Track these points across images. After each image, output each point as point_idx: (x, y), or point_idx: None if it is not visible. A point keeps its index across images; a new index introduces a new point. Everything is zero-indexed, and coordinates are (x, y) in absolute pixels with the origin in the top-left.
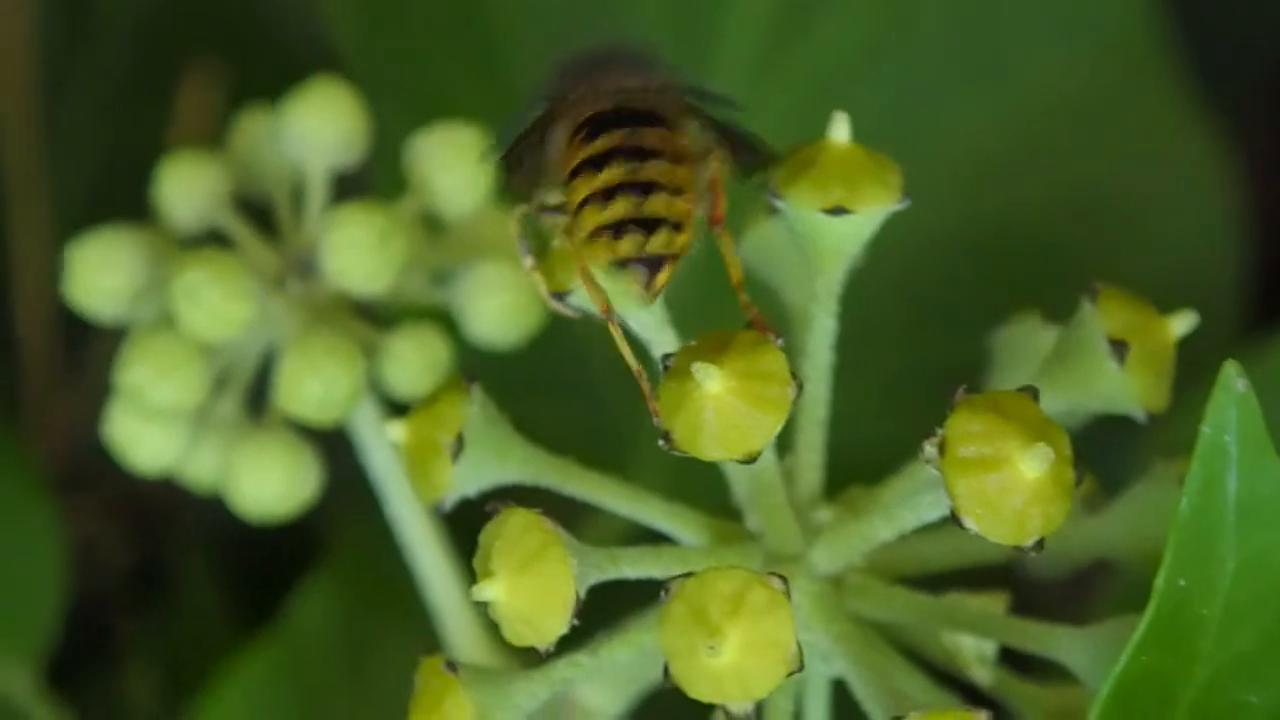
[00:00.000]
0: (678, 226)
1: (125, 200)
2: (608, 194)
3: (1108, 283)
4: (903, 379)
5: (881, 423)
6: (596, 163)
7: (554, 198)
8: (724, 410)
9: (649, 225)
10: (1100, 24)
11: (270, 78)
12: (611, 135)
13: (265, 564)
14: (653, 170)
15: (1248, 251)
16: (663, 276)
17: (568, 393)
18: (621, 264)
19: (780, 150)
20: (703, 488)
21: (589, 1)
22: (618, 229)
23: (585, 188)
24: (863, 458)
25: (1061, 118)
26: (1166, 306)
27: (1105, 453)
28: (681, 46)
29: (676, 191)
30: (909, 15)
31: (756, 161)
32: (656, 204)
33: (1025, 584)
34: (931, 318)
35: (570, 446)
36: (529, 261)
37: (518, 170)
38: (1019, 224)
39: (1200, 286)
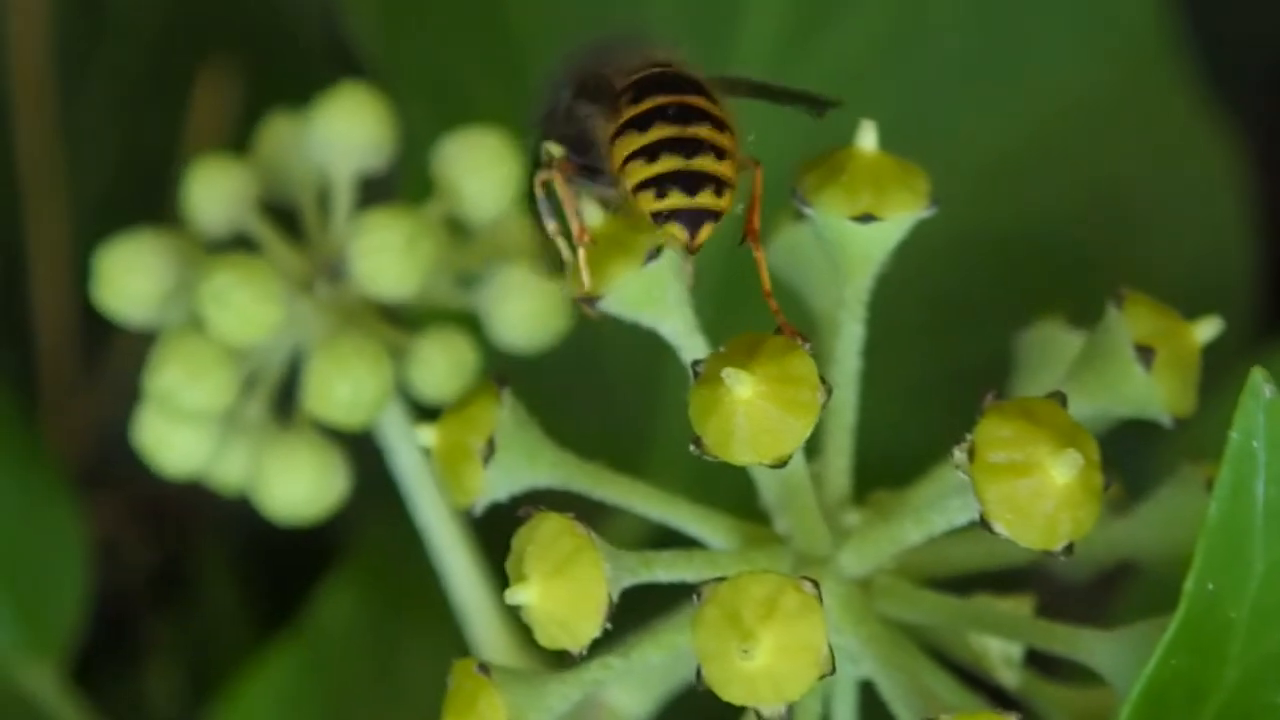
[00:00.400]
0: (720, 186)
1: (142, 199)
2: (653, 151)
3: (1123, 283)
4: (924, 380)
5: (904, 423)
6: (642, 122)
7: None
8: (755, 415)
9: (694, 181)
10: (1113, 25)
11: (286, 78)
12: (657, 97)
13: (286, 562)
14: (699, 129)
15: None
16: (705, 232)
17: (587, 394)
18: (665, 217)
19: (832, 98)
20: (723, 488)
21: (608, 2)
22: (661, 184)
23: (632, 144)
24: (886, 458)
25: (1074, 118)
26: (1180, 305)
27: (1125, 454)
28: (697, 47)
29: (721, 153)
30: (923, 16)
31: (815, 106)
32: (703, 161)
33: (1047, 584)
34: (951, 318)
35: (590, 448)
36: (551, 225)
37: (550, 136)
38: (1034, 224)
39: (1213, 285)
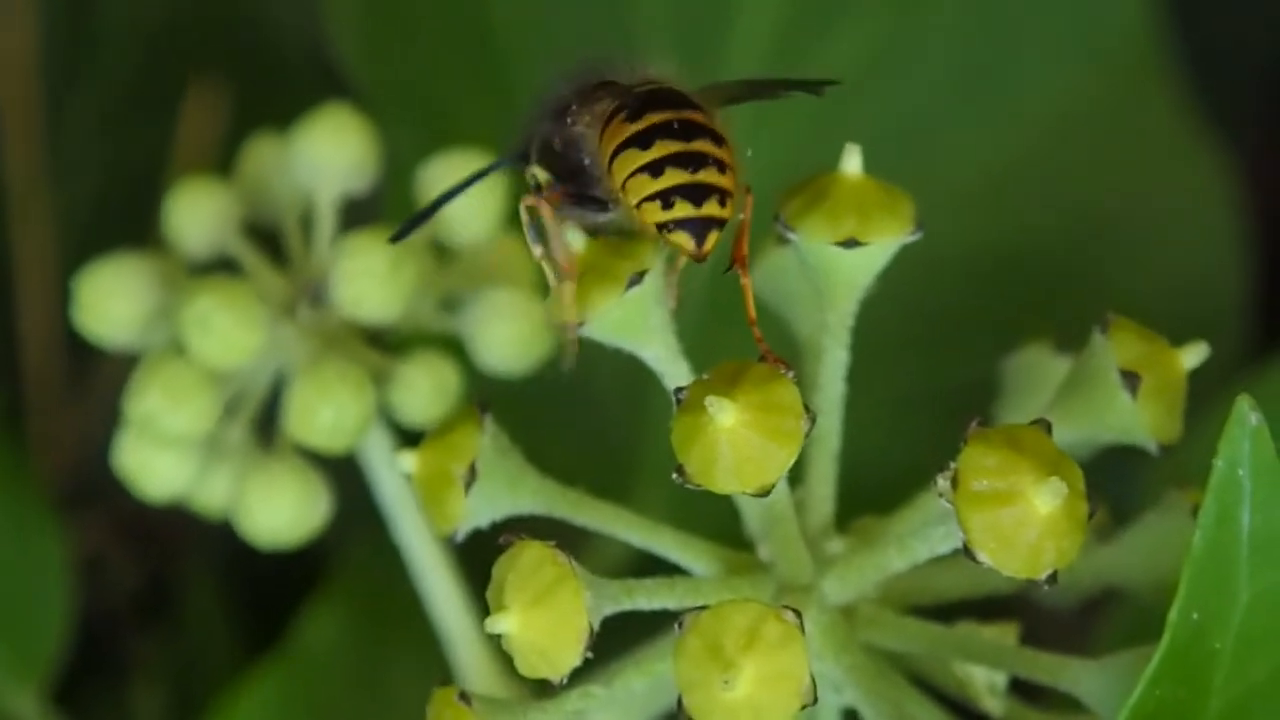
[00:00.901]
0: (724, 196)
1: (128, 216)
2: (657, 168)
3: (1110, 302)
4: (910, 399)
5: (888, 443)
6: (643, 140)
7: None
8: (738, 443)
9: (700, 192)
10: (1104, 41)
11: (274, 94)
12: (656, 113)
13: (270, 582)
14: (701, 144)
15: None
16: (711, 239)
17: (571, 418)
18: (672, 227)
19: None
20: (708, 513)
21: (598, 18)
22: (667, 196)
23: (634, 161)
24: (870, 478)
25: (1064, 135)
26: (1168, 324)
27: (1111, 478)
28: (689, 59)
29: (722, 167)
30: (915, 33)
31: (813, 90)
32: (707, 175)
33: (1029, 610)
34: (938, 337)
35: (574, 472)
36: (538, 250)
37: (535, 163)
38: (1021, 241)
39: (1202, 305)
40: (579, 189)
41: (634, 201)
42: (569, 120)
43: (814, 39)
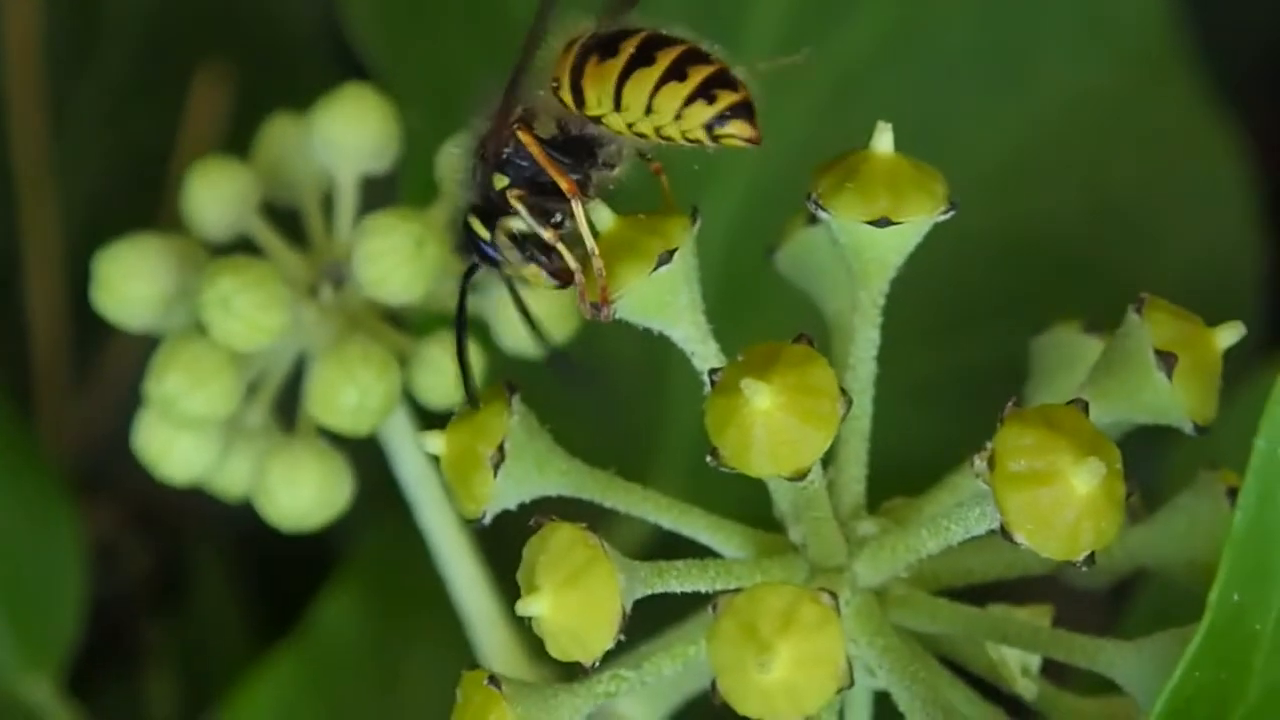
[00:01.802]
0: (737, 79)
1: (134, 201)
2: (679, 71)
3: (1128, 285)
4: (928, 381)
5: (908, 424)
6: (644, 57)
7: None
8: (774, 426)
9: (728, 78)
10: (1119, 27)
11: (279, 78)
12: (628, 40)
13: (281, 565)
14: (688, 43)
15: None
16: (758, 121)
17: (587, 399)
18: (725, 118)
19: None
20: (726, 490)
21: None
22: (707, 92)
23: (650, 76)
24: (890, 458)
25: (1080, 120)
26: (1188, 307)
27: (1131, 459)
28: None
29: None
30: (926, 17)
31: None
32: (718, 62)
33: (1055, 590)
34: (954, 318)
35: (592, 451)
36: (530, 269)
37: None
38: (1038, 226)
39: (1220, 287)
40: (541, 186)
41: (670, 114)
42: (518, 114)
43: (829, 25)
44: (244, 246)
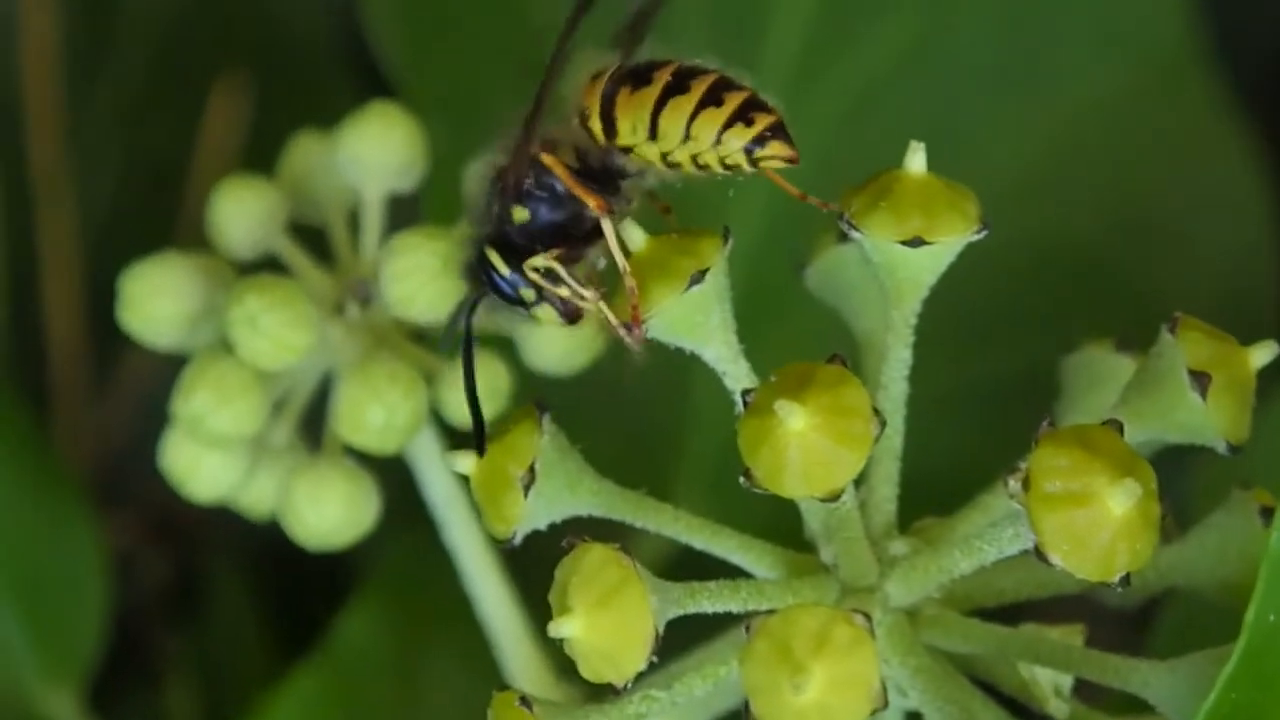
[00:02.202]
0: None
1: (151, 211)
2: (717, 97)
3: (1149, 296)
4: (950, 393)
5: (931, 437)
6: (680, 86)
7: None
8: (808, 448)
9: (762, 103)
10: (1138, 36)
11: (297, 88)
12: (660, 70)
13: (301, 578)
14: (718, 71)
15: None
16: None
17: (608, 417)
18: (764, 140)
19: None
20: (750, 506)
21: None
22: (746, 115)
23: (687, 103)
24: (918, 472)
25: (1101, 128)
26: (1207, 318)
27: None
28: (723, 59)
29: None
30: (947, 28)
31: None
32: (748, 88)
33: (1083, 607)
34: (976, 330)
35: (611, 470)
36: (559, 297)
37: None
38: (1059, 235)
39: (1241, 298)
40: (560, 224)
41: (709, 140)
42: (540, 142)
43: (848, 37)
44: (270, 265)
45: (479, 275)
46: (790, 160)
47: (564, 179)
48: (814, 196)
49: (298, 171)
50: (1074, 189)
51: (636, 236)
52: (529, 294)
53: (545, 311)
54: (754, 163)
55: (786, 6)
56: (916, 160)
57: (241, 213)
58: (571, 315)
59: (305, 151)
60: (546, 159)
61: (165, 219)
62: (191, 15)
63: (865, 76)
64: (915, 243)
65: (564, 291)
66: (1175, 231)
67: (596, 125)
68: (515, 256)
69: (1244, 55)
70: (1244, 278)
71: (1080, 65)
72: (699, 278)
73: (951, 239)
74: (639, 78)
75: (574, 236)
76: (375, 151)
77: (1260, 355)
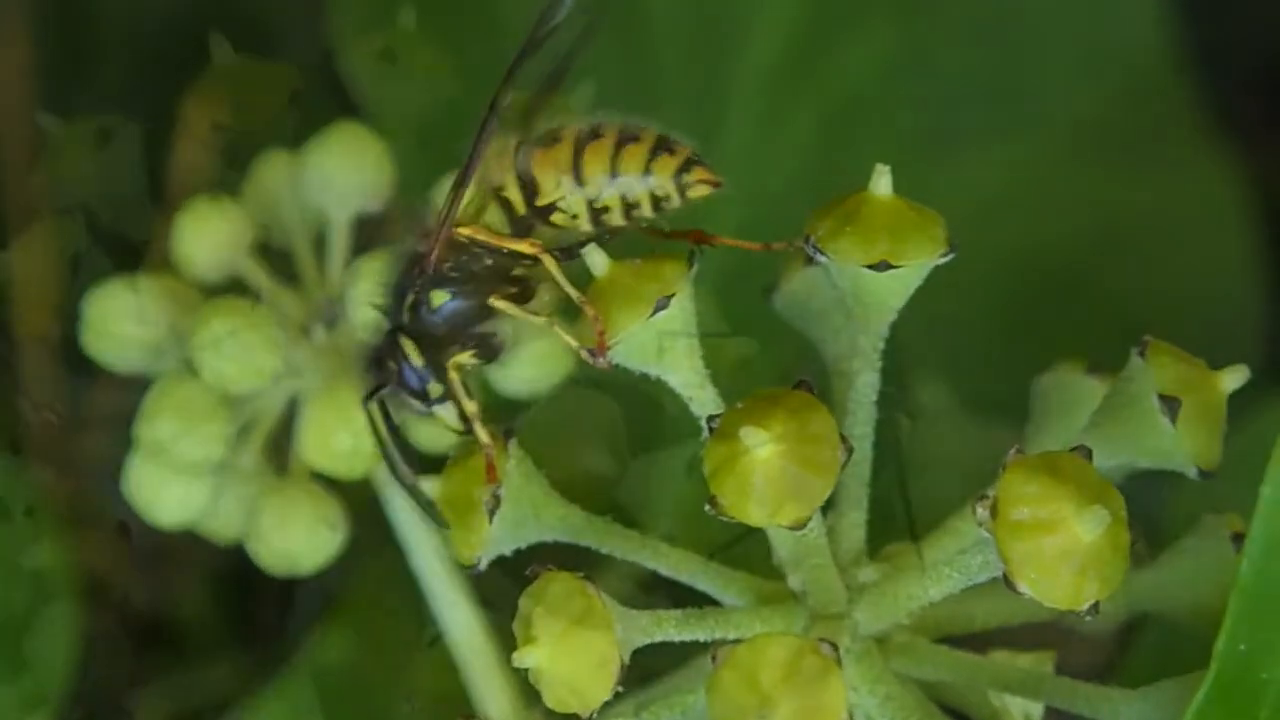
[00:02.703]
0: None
1: (124, 232)
2: (633, 135)
3: (1127, 312)
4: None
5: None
6: (593, 135)
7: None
8: (774, 475)
9: (673, 138)
10: (1118, 51)
11: (270, 110)
12: (570, 126)
13: (274, 600)
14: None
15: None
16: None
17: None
18: (690, 165)
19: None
20: (711, 532)
21: (614, 29)
22: (668, 146)
23: (606, 147)
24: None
25: (1080, 146)
26: (1185, 334)
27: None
28: (705, 68)
29: None
30: (927, 42)
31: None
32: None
33: (1054, 633)
34: (951, 347)
35: (580, 489)
36: (439, 389)
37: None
38: (1038, 252)
39: (1221, 314)
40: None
41: (639, 168)
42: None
43: (829, 48)
44: (235, 286)
45: (386, 364)
46: (715, 185)
47: (490, 239)
48: (792, 206)
49: (265, 193)
50: (1054, 204)
51: (600, 261)
52: (436, 389)
53: (446, 410)
54: (683, 192)
55: (769, 15)
56: (883, 183)
57: (207, 235)
58: (465, 422)
59: (272, 172)
60: (467, 230)
61: (138, 241)
62: (167, 29)
63: (843, 89)
64: (882, 266)
65: (466, 402)
66: (1156, 247)
67: (515, 194)
68: (430, 348)
69: (1224, 70)
70: (1223, 292)
71: (1060, 80)
72: (664, 303)
73: (918, 262)
74: (548, 139)
75: (489, 333)
76: (342, 173)
77: (1231, 380)
